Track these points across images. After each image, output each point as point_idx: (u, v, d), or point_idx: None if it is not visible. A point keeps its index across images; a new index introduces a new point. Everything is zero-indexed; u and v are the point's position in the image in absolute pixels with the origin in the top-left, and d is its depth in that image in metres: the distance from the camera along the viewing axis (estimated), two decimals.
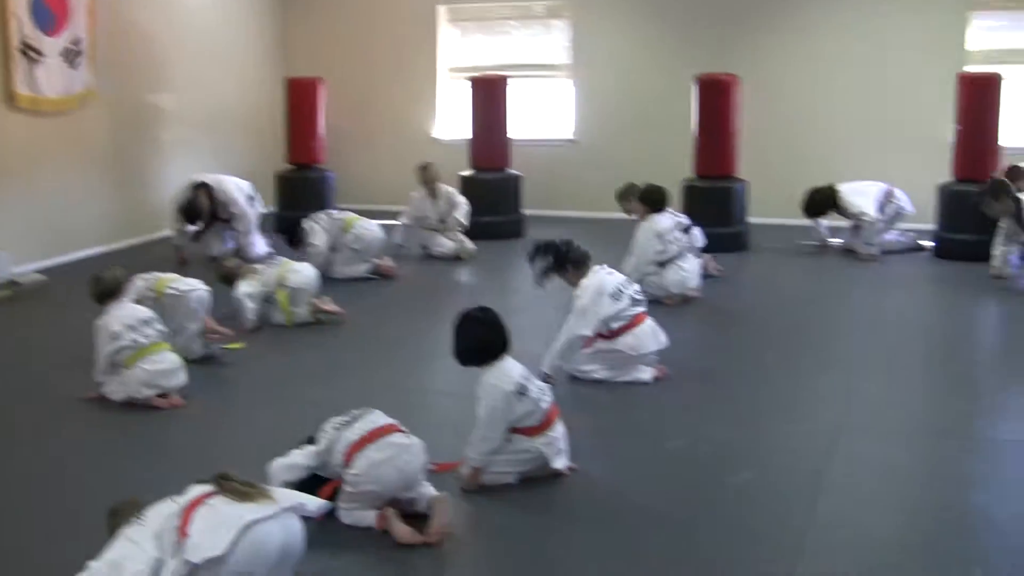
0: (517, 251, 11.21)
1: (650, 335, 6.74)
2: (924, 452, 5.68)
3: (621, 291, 6.66)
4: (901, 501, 5.06)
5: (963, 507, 4.94)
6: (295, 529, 3.81)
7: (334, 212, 10.20)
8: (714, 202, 10.72)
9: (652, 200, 8.97)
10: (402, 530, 4.39)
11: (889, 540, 4.59)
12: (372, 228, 9.88)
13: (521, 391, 4.99)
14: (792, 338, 7.94)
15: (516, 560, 4.45)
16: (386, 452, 4.50)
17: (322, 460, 4.63)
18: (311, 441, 4.72)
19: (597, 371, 6.67)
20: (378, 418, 4.69)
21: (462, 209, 10.96)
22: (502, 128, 12.01)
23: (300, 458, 4.67)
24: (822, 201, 10.83)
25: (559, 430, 5.18)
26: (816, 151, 12.05)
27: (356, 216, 9.99)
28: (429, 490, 4.63)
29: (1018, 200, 9.50)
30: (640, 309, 6.77)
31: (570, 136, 13.45)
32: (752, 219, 11.25)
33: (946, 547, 4.52)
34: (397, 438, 4.59)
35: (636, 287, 6.86)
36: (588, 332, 6.55)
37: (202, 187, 10.43)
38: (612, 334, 6.64)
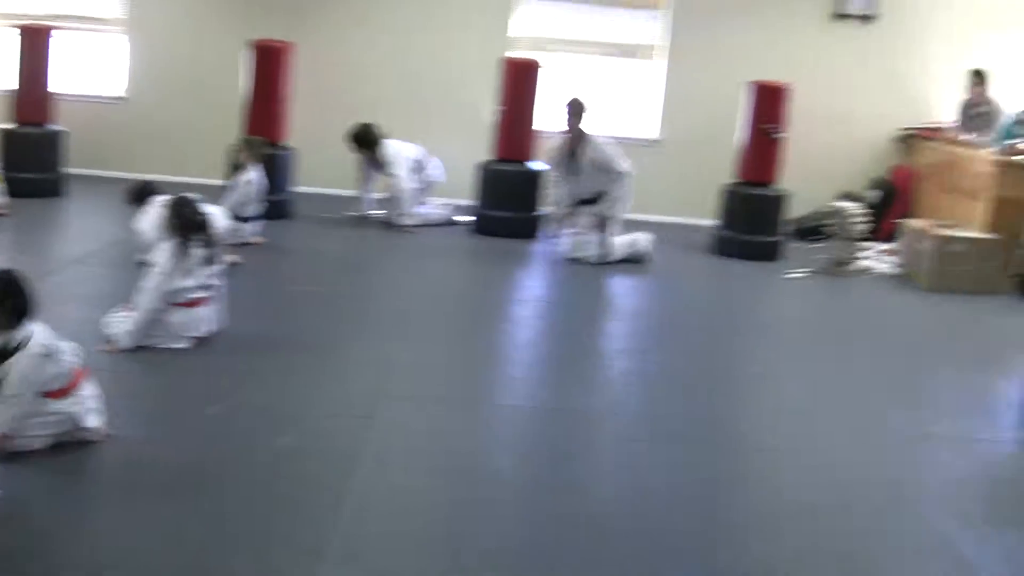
0: (57, 210, 10.89)
1: (205, 320, 6.73)
2: (456, 418, 5.98)
3: (193, 270, 6.61)
4: (436, 465, 5.31)
5: (489, 470, 5.29)
6: None
7: None
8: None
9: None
10: None
11: (425, 502, 4.85)
12: None
13: (48, 353, 4.87)
14: (332, 306, 8.10)
15: (47, 528, 4.32)
16: None
17: None
18: None
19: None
20: None
21: None
22: (45, 80, 11.49)
23: None
24: (368, 137, 11.05)
25: (89, 390, 5.10)
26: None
27: None
28: None
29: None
30: (206, 294, 6.73)
31: (122, 94, 13.09)
32: (300, 188, 11.36)
33: (476, 508, 4.82)
34: None
35: (215, 270, 6.81)
36: (160, 305, 6.48)
37: None
38: (167, 305, 6.56)
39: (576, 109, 10.38)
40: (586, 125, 10.42)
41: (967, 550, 4.77)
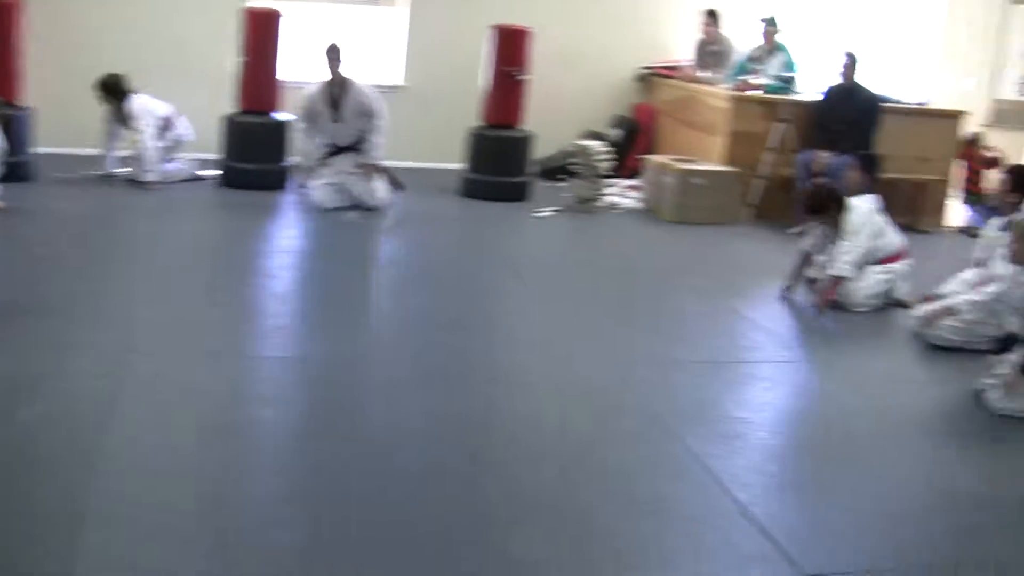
0: None
1: None
2: (212, 372, 5.89)
3: None
4: (192, 420, 5.22)
5: (247, 422, 5.27)
6: None
7: None
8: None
9: None
10: None
11: (183, 459, 4.77)
12: None
13: None
14: (77, 267, 7.83)
15: None
16: None
17: None
18: None
19: None
20: None
21: None
22: None
23: None
24: (117, 87, 10.72)
25: None
26: None
27: None
28: None
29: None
30: None
31: None
32: (39, 149, 10.94)
33: (235, 460, 4.81)
34: None
35: None
36: None
37: None
38: None
39: (336, 54, 10.36)
40: (346, 70, 10.42)
41: (721, 468, 5.01)
